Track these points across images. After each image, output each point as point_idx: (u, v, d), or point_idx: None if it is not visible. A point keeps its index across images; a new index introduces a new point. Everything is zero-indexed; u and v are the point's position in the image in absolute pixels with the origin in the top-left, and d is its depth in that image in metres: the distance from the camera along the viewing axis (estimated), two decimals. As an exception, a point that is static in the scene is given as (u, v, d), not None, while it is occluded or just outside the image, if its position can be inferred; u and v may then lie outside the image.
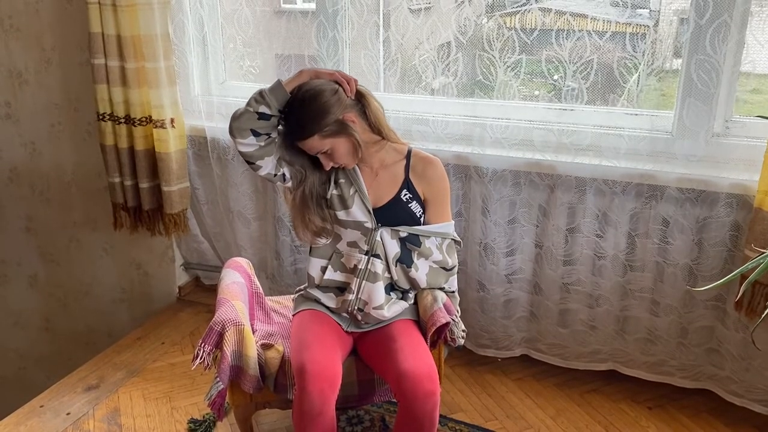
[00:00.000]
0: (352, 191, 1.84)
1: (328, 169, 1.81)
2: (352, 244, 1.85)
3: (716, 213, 2.04)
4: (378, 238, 1.83)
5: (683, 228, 2.10)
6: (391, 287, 1.87)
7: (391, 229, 1.84)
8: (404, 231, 1.84)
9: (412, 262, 1.85)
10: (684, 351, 2.25)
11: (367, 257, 1.83)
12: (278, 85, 1.76)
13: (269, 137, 1.79)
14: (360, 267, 1.84)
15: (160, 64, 2.49)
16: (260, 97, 1.75)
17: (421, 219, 1.88)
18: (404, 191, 1.85)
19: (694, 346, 2.23)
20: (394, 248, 1.84)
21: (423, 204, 1.88)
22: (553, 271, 2.31)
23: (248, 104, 1.76)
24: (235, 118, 1.78)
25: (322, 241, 1.88)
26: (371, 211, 1.83)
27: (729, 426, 2.17)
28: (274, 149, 1.81)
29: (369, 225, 1.83)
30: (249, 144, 1.78)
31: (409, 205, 1.85)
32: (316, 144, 1.76)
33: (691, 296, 2.17)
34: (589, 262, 2.26)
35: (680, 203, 2.08)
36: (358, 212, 1.83)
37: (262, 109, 1.75)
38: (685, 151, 2.06)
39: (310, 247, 1.91)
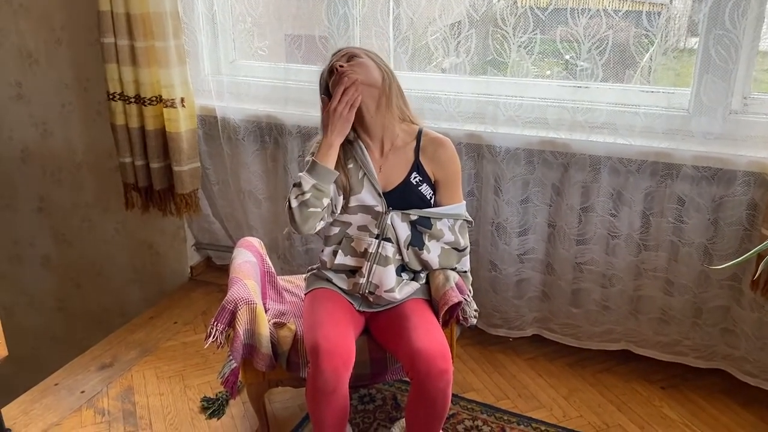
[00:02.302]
0: (360, 175, 1.82)
1: (341, 70, 1.72)
2: (363, 228, 1.84)
3: (733, 191, 2.01)
4: (388, 222, 1.81)
5: (699, 207, 2.07)
6: (402, 268, 1.86)
7: (402, 213, 1.82)
8: (415, 214, 1.83)
9: (424, 244, 1.84)
10: (698, 331, 2.23)
11: (377, 241, 1.82)
12: (323, 169, 1.73)
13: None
14: (370, 251, 1.82)
15: (169, 43, 2.47)
16: (318, 191, 1.73)
17: (432, 201, 1.86)
18: (414, 174, 1.83)
19: (709, 325, 2.21)
20: (404, 231, 1.82)
21: (433, 186, 1.86)
22: (566, 251, 2.29)
23: (308, 204, 1.72)
24: (303, 222, 1.73)
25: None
26: (381, 195, 1.82)
27: (743, 406, 2.16)
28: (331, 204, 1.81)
29: (379, 209, 1.82)
30: (320, 225, 1.79)
31: (419, 188, 1.83)
32: (350, 48, 1.81)
33: (706, 276, 2.15)
34: (602, 241, 2.24)
35: (696, 181, 2.05)
36: (367, 196, 1.82)
37: (326, 201, 1.75)
38: (702, 128, 2.02)
39: (325, 236, 1.90)
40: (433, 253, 1.85)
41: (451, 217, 1.87)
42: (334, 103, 1.72)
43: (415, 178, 1.83)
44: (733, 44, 1.92)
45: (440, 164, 1.85)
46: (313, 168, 1.74)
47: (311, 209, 1.73)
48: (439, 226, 1.85)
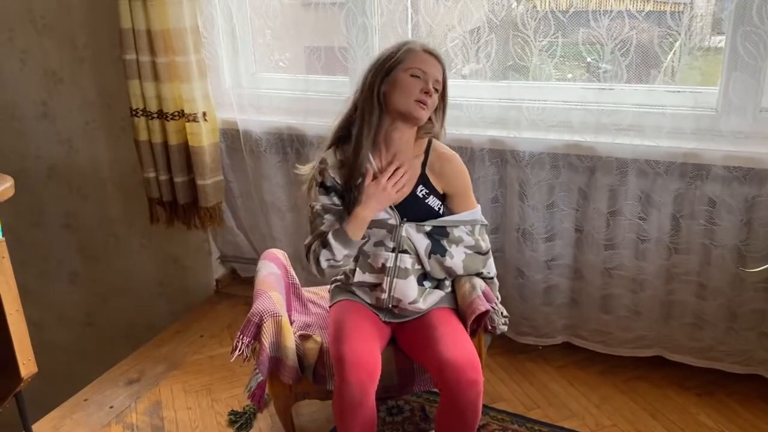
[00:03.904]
0: None
1: (426, 103, 1.71)
2: (378, 244, 1.80)
3: (766, 191, 1.96)
4: (403, 234, 1.79)
5: (731, 208, 2.02)
6: (424, 276, 1.84)
7: (416, 224, 1.80)
8: (429, 225, 1.80)
9: (446, 250, 1.81)
10: (733, 335, 2.17)
11: (394, 254, 1.79)
12: (354, 242, 1.76)
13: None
14: (388, 265, 1.79)
15: (190, 58, 2.49)
16: (348, 258, 1.79)
17: (440, 211, 1.83)
18: (420, 187, 1.80)
19: (745, 330, 2.15)
20: (423, 241, 1.80)
21: (441, 197, 1.83)
22: (595, 256, 2.25)
23: (339, 267, 1.82)
24: (328, 276, 1.87)
25: None
26: (393, 207, 1.79)
27: (783, 412, 2.10)
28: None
29: (392, 221, 1.79)
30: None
31: (426, 201, 1.81)
32: (441, 71, 1.76)
33: (741, 279, 2.09)
34: (631, 245, 2.20)
35: (727, 182, 2.00)
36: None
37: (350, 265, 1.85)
38: (731, 127, 1.97)
39: None
40: (456, 258, 1.82)
41: (467, 224, 1.84)
42: (384, 180, 1.74)
43: (421, 191, 1.81)
44: (762, 40, 1.87)
45: (448, 180, 1.83)
46: (345, 240, 1.74)
47: (339, 268, 1.85)
48: (457, 233, 1.82)
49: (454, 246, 1.83)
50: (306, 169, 1.88)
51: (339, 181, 1.80)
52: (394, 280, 1.80)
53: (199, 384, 2.40)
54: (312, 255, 1.78)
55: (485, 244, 1.87)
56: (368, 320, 1.81)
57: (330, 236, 1.75)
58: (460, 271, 1.84)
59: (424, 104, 1.71)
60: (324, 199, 1.81)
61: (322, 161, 1.83)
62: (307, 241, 1.82)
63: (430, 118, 1.79)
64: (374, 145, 1.79)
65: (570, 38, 2.11)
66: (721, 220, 2.05)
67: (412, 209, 1.80)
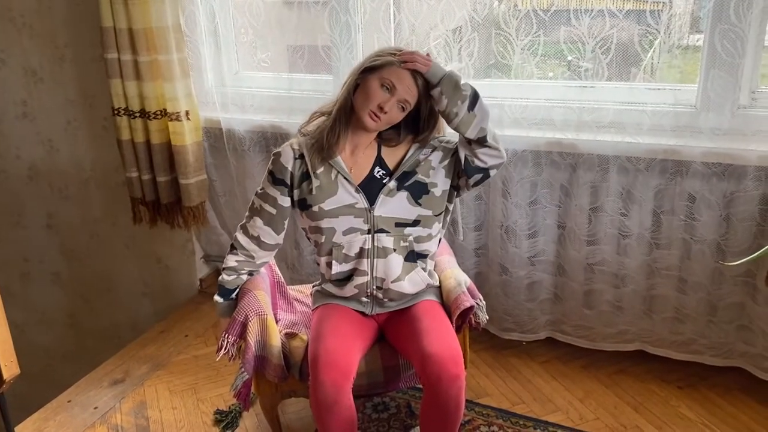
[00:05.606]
0: (333, 175, 1.77)
1: (379, 117, 1.69)
2: (349, 231, 1.77)
3: (744, 187, 1.99)
4: (377, 213, 1.76)
5: (710, 203, 2.06)
6: (414, 255, 1.80)
7: (387, 190, 1.77)
8: (395, 178, 1.77)
9: (426, 183, 1.78)
10: (714, 329, 2.21)
11: (370, 235, 1.77)
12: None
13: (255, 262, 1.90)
14: (366, 247, 1.77)
15: (172, 57, 2.47)
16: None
17: None
18: (377, 168, 1.80)
19: (724, 323, 2.19)
20: (401, 200, 1.77)
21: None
22: (577, 252, 2.27)
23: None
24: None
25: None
26: (358, 189, 1.76)
27: (762, 403, 2.14)
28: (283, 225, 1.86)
29: (360, 205, 1.76)
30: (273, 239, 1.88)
31: (383, 182, 1.79)
32: (415, 94, 1.71)
33: (720, 273, 2.12)
34: (613, 241, 2.22)
35: (706, 178, 2.04)
36: (345, 195, 1.76)
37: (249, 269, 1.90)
38: (710, 124, 2.01)
39: (315, 242, 1.85)
40: (439, 179, 1.80)
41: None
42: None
43: (378, 172, 1.80)
44: (739, 38, 1.90)
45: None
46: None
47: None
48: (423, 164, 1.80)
49: (431, 171, 1.79)
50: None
51: (296, 170, 1.79)
52: (375, 260, 1.78)
53: (184, 384, 2.39)
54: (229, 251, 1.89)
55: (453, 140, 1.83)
56: (348, 320, 1.80)
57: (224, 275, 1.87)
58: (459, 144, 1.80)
59: (377, 117, 1.70)
60: (266, 186, 1.83)
61: (279, 151, 1.82)
62: (236, 233, 1.88)
63: (398, 130, 1.80)
64: (343, 131, 1.77)
65: (551, 37, 2.14)
66: (701, 215, 2.08)
67: (370, 189, 1.78)
